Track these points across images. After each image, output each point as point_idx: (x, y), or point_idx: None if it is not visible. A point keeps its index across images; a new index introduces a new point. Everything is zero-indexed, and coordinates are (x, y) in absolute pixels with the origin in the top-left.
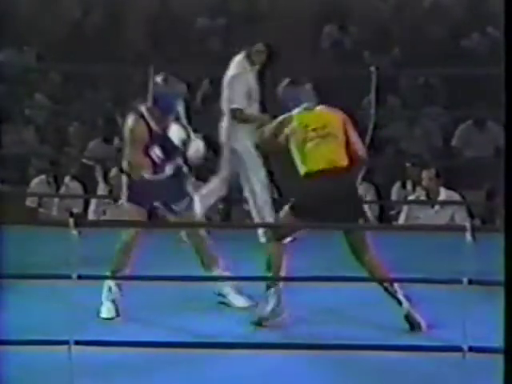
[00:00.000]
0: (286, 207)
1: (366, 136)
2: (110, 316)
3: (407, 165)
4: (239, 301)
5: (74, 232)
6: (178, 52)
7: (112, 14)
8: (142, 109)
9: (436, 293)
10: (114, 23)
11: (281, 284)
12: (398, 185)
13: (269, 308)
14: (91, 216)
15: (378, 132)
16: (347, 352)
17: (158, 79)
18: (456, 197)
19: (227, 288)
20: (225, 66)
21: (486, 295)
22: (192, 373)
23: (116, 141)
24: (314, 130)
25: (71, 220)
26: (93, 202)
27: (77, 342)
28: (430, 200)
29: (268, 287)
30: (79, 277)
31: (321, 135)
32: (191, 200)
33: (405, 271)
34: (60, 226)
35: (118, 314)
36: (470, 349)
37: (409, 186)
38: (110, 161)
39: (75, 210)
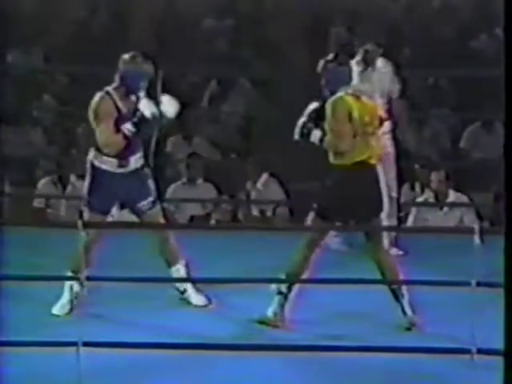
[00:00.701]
0: (312, 212)
1: None
2: (60, 313)
3: (416, 167)
4: (198, 299)
5: (83, 233)
6: (184, 52)
7: (118, 15)
8: (109, 88)
9: (444, 295)
10: (120, 24)
11: (292, 294)
12: (406, 187)
13: (270, 311)
14: None
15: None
16: (351, 354)
17: (126, 57)
18: (465, 199)
19: (188, 285)
20: (232, 66)
21: (494, 297)
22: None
23: None
24: (365, 124)
25: (79, 222)
26: None
27: (85, 344)
28: (438, 202)
29: (278, 292)
30: (87, 278)
31: (366, 132)
32: (155, 199)
33: (413, 273)
34: (68, 228)
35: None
36: (479, 351)
37: (417, 187)
38: None
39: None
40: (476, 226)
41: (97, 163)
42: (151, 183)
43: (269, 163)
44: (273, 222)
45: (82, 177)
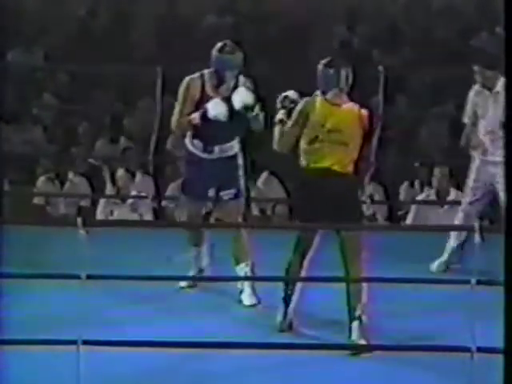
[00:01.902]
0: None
1: (374, 135)
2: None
3: (415, 165)
4: (250, 299)
5: (82, 231)
6: (185, 51)
7: (119, 13)
8: (205, 71)
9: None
10: (121, 22)
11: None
12: (406, 185)
13: (279, 317)
14: (99, 216)
15: (386, 132)
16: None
17: (217, 45)
18: None
19: (245, 285)
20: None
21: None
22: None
23: (122, 141)
24: (328, 131)
25: (79, 220)
26: (100, 203)
27: (85, 342)
28: (439, 200)
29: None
30: (88, 276)
31: (332, 140)
32: (239, 191)
33: (412, 271)
34: (68, 226)
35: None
36: (479, 349)
37: (417, 185)
38: (116, 161)
39: (83, 204)
40: (476, 224)
41: (190, 147)
42: (239, 175)
43: (269, 161)
44: (272, 221)
45: (80, 174)
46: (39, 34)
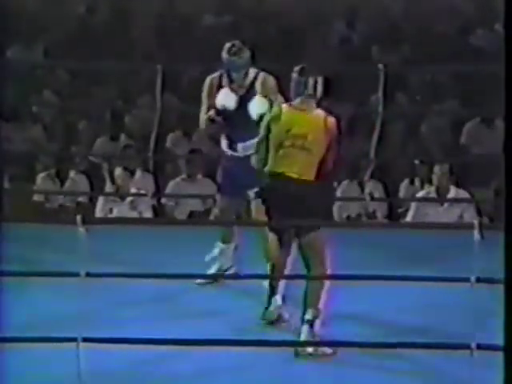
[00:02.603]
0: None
1: (374, 133)
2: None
3: (415, 162)
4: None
5: (82, 229)
6: (184, 49)
7: (119, 11)
8: (223, 70)
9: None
10: (120, 20)
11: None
12: (406, 182)
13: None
14: (98, 214)
15: (386, 129)
16: (352, 350)
17: (225, 45)
18: (466, 195)
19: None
20: None
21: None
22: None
23: (122, 139)
24: (294, 136)
25: (79, 217)
26: (100, 200)
27: (85, 339)
28: (438, 198)
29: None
30: (87, 274)
31: (297, 146)
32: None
33: (412, 269)
34: (68, 224)
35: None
36: (478, 346)
37: (417, 183)
38: (116, 159)
39: (80, 199)
40: (476, 222)
41: (222, 145)
42: None
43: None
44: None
45: (81, 172)
46: (39, 31)
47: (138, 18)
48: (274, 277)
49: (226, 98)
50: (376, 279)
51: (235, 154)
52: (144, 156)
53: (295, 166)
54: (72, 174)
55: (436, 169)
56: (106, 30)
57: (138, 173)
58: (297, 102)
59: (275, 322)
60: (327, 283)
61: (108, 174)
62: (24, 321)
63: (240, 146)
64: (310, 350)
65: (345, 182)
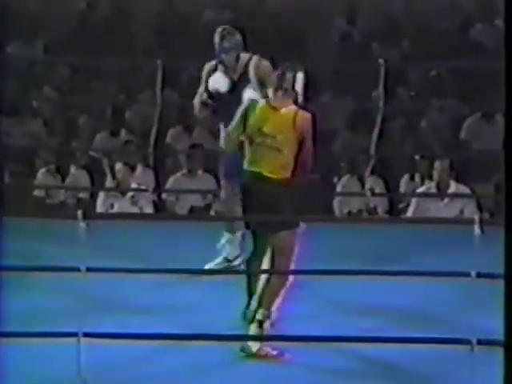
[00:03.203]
0: None
1: (374, 129)
2: None
3: (416, 157)
4: None
5: (82, 224)
6: (184, 45)
7: (119, 7)
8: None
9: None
10: (120, 16)
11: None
12: (406, 177)
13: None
14: (99, 209)
15: (387, 124)
16: (352, 344)
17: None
18: (466, 191)
19: None
20: None
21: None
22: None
23: (123, 134)
24: (265, 135)
25: (79, 212)
26: (100, 196)
27: (85, 334)
28: (439, 193)
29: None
30: (88, 269)
31: (266, 144)
32: None
33: (413, 264)
34: (68, 219)
35: None
36: (479, 342)
37: (417, 178)
38: (116, 154)
39: (82, 196)
40: (476, 217)
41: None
42: None
43: None
44: None
45: (81, 167)
46: (39, 26)
47: (138, 14)
48: (275, 272)
49: (218, 81)
50: (376, 274)
51: None
52: (144, 151)
53: (266, 165)
54: (73, 169)
55: (436, 164)
56: (106, 25)
57: (139, 168)
58: (272, 98)
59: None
60: (287, 286)
61: (108, 169)
62: (24, 315)
63: None
64: (254, 348)
65: (345, 178)
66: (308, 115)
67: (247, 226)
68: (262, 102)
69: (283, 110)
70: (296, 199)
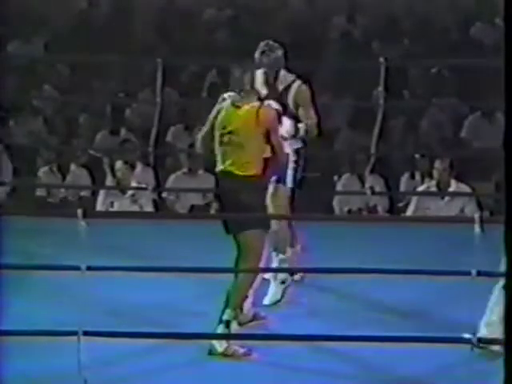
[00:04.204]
0: None
1: (375, 127)
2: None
3: (416, 156)
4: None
5: (83, 223)
6: (185, 43)
7: (119, 5)
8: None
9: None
10: (121, 14)
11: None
12: (406, 176)
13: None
14: (99, 208)
15: (387, 123)
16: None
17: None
18: (466, 189)
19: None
20: (232, 56)
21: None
22: None
23: (123, 133)
24: (228, 132)
25: (80, 211)
26: (101, 194)
27: (85, 333)
28: (439, 192)
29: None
30: (88, 268)
31: (232, 143)
32: (280, 176)
33: (413, 262)
34: (69, 218)
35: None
36: (479, 340)
37: (417, 177)
38: (116, 153)
39: (83, 194)
40: (476, 216)
41: None
42: (289, 167)
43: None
44: None
45: (82, 166)
46: (39, 25)
47: (138, 13)
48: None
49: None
50: (377, 273)
51: None
52: (145, 150)
53: (233, 163)
54: (73, 167)
55: (436, 163)
56: (106, 24)
57: (139, 167)
58: (235, 98)
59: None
60: (254, 287)
61: (109, 168)
62: (25, 314)
63: None
64: (221, 348)
65: (345, 176)
66: (272, 110)
67: (226, 229)
68: (227, 102)
69: (245, 107)
70: (260, 197)
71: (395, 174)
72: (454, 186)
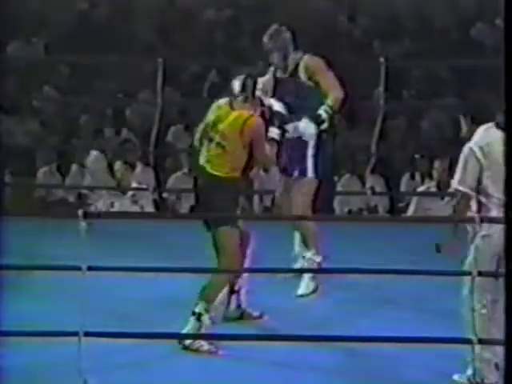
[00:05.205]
0: None
1: (375, 127)
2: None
3: (416, 156)
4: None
5: (83, 223)
6: (185, 43)
7: (119, 6)
8: None
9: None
10: (121, 15)
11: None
12: (407, 176)
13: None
14: (100, 208)
15: (388, 123)
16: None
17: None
18: None
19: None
20: (231, 56)
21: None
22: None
23: (124, 133)
24: (216, 131)
25: (80, 211)
26: (101, 195)
27: (86, 334)
28: (439, 192)
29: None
30: (89, 268)
31: (218, 143)
32: (303, 169)
33: (414, 263)
34: (69, 218)
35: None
36: (480, 341)
37: (417, 177)
38: (116, 153)
39: (83, 192)
40: (476, 216)
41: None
42: (307, 155)
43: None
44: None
45: (83, 166)
46: (40, 25)
47: (138, 13)
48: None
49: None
50: (378, 273)
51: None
52: (145, 150)
53: (214, 163)
54: (74, 167)
55: (436, 164)
56: (106, 24)
57: (139, 167)
58: (235, 99)
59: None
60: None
61: (109, 168)
62: (25, 315)
63: (290, 126)
64: (187, 342)
65: (346, 176)
66: (260, 122)
67: (207, 227)
68: (224, 102)
69: (237, 113)
70: (233, 197)
71: (395, 175)
72: None
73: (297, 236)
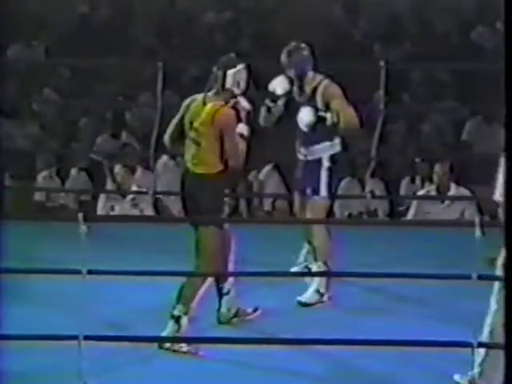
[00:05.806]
0: None
1: (375, 130)
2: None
3: (416, 160)
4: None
5: (83, 227)
6: (185, 46)
7: (120, 9)
8: None
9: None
10: (121, 17)
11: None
12: (407, 180)
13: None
14: (100, 212)
15: (388, 127)
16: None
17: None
18: (466, 194)
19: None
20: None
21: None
22: None
23: (124, 136)
24: (193, 130)
25: (80, 215)
26: (101, 198)
27: (86, 337)
28: (439, 196)
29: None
30: (89, 272)
31: (193, 139)
32: (316, 189)
33: (414, 266)
34: (69, 221)
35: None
36: (480, 344)
37: (418, 181)
38: (117, 156)
39: (83, 198)
40: (477, 219)
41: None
42: (322, 175)
43: (274, 154)
44: (273, 216)
45: (82, 170)
46: (40, 28)
47: (139, 16)
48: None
49: (281, 85)
50: (378, 277)
51: (301, 157)
52: (145, 154)
53: (191, 159)
54: (73, 171)
55: (437, 167)
56: (107, 27)
57: (139, 171)
58: (207, 95)
59: (234, 318)
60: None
61: (109, 171)
62: (25, 318)
63: (302, 149)
64: (167, 344)
65: (346, 180)
66: (231, 112)
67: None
68: (199, 98)
69: (208, 106)
70: (217, 195)
71: (395, 178)
72: (453, 190)
73: (306, 247)
